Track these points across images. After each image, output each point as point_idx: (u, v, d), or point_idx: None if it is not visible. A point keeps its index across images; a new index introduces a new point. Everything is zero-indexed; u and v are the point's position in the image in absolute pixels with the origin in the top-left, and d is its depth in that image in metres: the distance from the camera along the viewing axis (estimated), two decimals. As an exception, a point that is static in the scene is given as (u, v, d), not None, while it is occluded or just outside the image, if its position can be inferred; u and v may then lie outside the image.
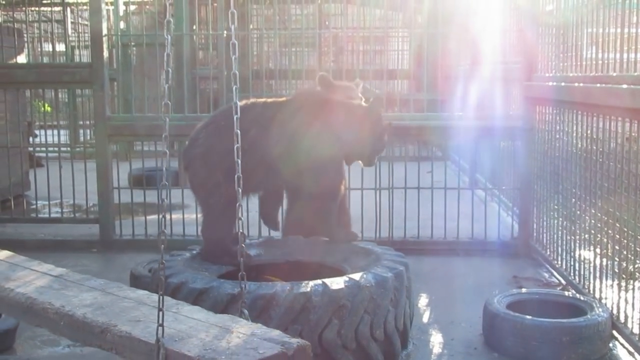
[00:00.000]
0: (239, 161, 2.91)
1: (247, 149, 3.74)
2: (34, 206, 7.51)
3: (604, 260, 4.28)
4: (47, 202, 6.72)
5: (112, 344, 2.54)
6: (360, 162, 4.53)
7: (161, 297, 2.45)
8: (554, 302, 4.09)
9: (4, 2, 9.51)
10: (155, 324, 2.38)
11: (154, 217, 6.16)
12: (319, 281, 3.41)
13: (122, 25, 10.88)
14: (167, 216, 6.18)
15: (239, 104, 3.02)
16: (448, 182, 6.08)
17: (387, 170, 5.99)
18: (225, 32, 9.04)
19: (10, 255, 3.64)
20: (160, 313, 2.39)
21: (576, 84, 4.65)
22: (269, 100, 4.39)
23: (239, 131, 2.92)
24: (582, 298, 4.13)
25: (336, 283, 3.41)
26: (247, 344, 2.34)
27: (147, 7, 11.92)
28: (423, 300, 4.79)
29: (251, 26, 11.94)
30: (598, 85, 4.21)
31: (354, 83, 4.80)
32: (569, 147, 4.94)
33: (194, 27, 9.52)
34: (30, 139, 9.56)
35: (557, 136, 5.22)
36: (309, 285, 3.36)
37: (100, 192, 6.20)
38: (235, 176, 2.90)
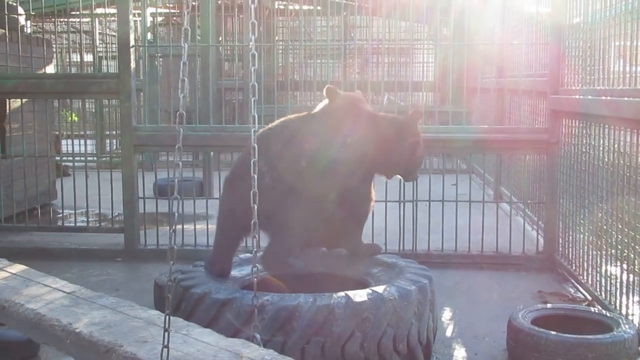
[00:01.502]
0: (255, 176, 2.88)
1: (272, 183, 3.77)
2: (60, 215, 7.60)
3: (631, 276, 4.23)
4: (73, 211, 6.78)
5: None
6: (400, 176, 4.48)
7: (167, 316, 2.39)
8: (580, 318, 4.03)
9: (33, 13, 9.64)
10: (161, 345, 2.34)
11: (178, 227, 6.18)
12: (342, 293, 3.40)
13: (149, 36, 10.99)
14: (191, 227, 6.22)
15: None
16: (472, 195, 6.04)
17: (412, 183, 5.96)
18: (251, 43, 9.09)
19: (25, 269, 3.64)
20: (166, 334, 2.34)
21: (603, 97, 4.61)
22: (299, 118, 4.20)
23: (256, 145, 2.91)
24: (608, 314, 4.08)
25: (359, 295, 3.40)
26: None
27: (174, 18, 12.05)
28: (447, 314, 4.76)
29: (277, 38, 12.01)
30: (626, 98, 4.17)
31: (356, 93, 4.76)
32: (596, 161, 4.89)
33: (220, 39, 9.58)
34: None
35: (584, 150, 5.17)
36: (332, 297, 3.35)
37: (126, 201, 6.24)
38: (251, 192, 2.88)
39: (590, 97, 4.90)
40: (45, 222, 6.95)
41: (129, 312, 2.93)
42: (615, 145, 4.48)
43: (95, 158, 11.19)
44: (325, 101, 4.23)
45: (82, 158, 9.41)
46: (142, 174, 6.31)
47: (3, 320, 3.15)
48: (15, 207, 6.86)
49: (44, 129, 7.20)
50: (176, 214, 2.60)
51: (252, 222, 2.85)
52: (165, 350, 2.32)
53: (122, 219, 6.50)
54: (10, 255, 3.96)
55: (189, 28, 2.82)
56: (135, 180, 6.23)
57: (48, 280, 3.41)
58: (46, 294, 3.18)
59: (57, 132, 9.12)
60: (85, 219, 7.19)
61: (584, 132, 5.16)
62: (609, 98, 4.50)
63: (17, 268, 3.64)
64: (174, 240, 2.56)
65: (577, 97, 5.22)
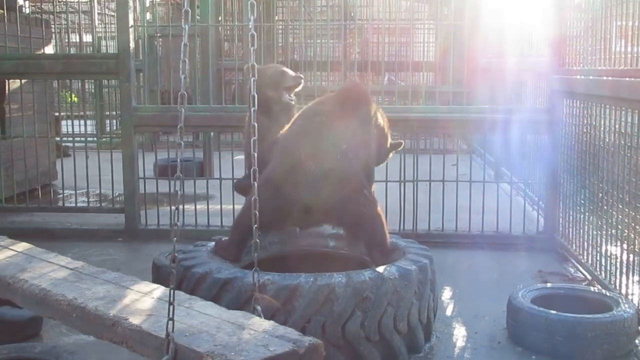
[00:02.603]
0: (255, 154, 2.88)
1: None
2: (61, 195, 7.60)
3: (631, 255, 4.24)
4: (73, 192, 6.78)
5: (122, 337, 2.52)
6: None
7: (172, 290, 2.41)
8: (580, 298, 4.05)
9: (32, -7, 9.60)
10: (166, 318, 2.36)
11: (179, 207, 6.18)
12: (342, 273, 3.42)
13: (148, 16, 10.92)
14: (192, 207, 6.23)
15: None
16: (473, 175, 6.04)
17: (412, 163, 5.97)
18: (250, 23, 9.03)
19: (29, 247, 3.66)
20: (171, 307, 2.36)
21: (605, 78, 4.60)
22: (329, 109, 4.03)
23: (255, 124, 2.90)
24: (608, 294, 4.09)
25: (360, 275, 3.41)
26: (258, 341, 2.31)
27: (173, -2, 11.97)
28: (447, 294, 4.77)
29: (276, 18, 11.94)
30: (627, 78, 4.16)
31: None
32: (597, 141, 4.89)
33: (220, 19, 9.52)
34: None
35: (585, 130, 5.16)
36: (332, 277, 3.36)
37: (126, 182, 6.25)
38: (252, 170, 2.89)
39: (591, 77, 4.88)
40: (45, 202, 6.96)
41: (132, 286, 2.97)
42: (616, 126, 4.48)
43: (95, 139, 11.17)
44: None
45: (82, 139, 9.40)
46: (142, 154, 6.31)
47: (9, 297, 3.17)
48: (16, 187, 6.86)
49: (43, 109, 7.18)
50: (178, 193, 2.61)
51: (252, 198, 2.85)
52: (170, 322, 2.34)
53: (122, 199, 6.51)
54: (11, 235, 3.96)
55: (189, 9, 2.81)
56: (136, 161, 6.23)
57: (51, 257, 3.44)
58: (50, 271, 3.20)
59: (56, 114, 9.09)
60: (86, 200, 7.19)
61: (585, 112, 5.15)
62: (610, 78, 4.49)
63: (21, 246, 3.67)
64: (176, 217, 2.63)
65: (578, 77, 5.21)
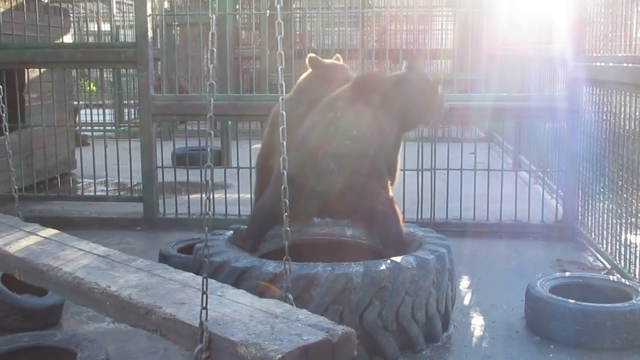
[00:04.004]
0: (285, 143, 2.88)
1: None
2: (80, 184, 7.65)
3: (651, 244, 4.21)
4: (92, 181, 6.82)
5: (156, 326, 2.54)
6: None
7: (205, 279, 2.42)
8: (598, 287, 4.02)
9: (50, -17, 9.62)
10: (199, 306, 2.37)
11: (197, 196, 6.22)
12: (360, 262, 3.41)
13: (166, 4, 10.93)
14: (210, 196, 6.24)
15: None
16: (491, 163, 6.01)
17: (430, 151, 5.95)
18: (267, 11, 9.03)
19: (58, 233, 3.69)
20: (204, 296, 2.37)
21: (625, 65, 4.55)
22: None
23: (284, 112, 2.89)
24: (627, 282, 4.06)
25: (377, 264, 3.41)
26: (291, 330, 2.31)
27: (191, -14, 11.97)
28: (465, 283, 4.76)
29: (294, 5, 11.91)
30: (648, 65, 4.11)
31: (335, 58, 4.70)
32: (616, 128, 4.84)
33: (237, 7, 9.51)
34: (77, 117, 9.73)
35: (604, 117, 5.11)
36: (350, 266, 3.36)
37: (144, 171, 6.27)
38: (281, 158, 2.89)
39: (611, 64, 4.83)
40: (65, 191, 7.01)
41: (164, 274, 2.97)
42: (637, 113, 4.43)
43: (113, 127, 11.23)
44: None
45: (101, 128, 9.45)
46: (160, 143, 6.33)
47: (43, 285, 3.20)
48: (35, 176, 6.91)
49: (62, 98, 7.21)
50: (209, 182, 2.64)
51: (282, 187, 2.82)
52: (204, 311, 2.36)
53: (141, 188, 6.53)
54: (31, 224, 4.00)
55: (214, -1, 2.80)
56: (154, 150, 6.25)
57: (83, 244, 3.46)
58: (81, 258, 3.22)
59: (75, 103, 9.14)
60: (105, 188, 7.23)
61: (605, 99, 5.10)
62: (630, 65, 4.44)
63: (52, 232, 3.69)
64: (208, 207, 2.66)
65: (598, 64, 5.15)
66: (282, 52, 2.92)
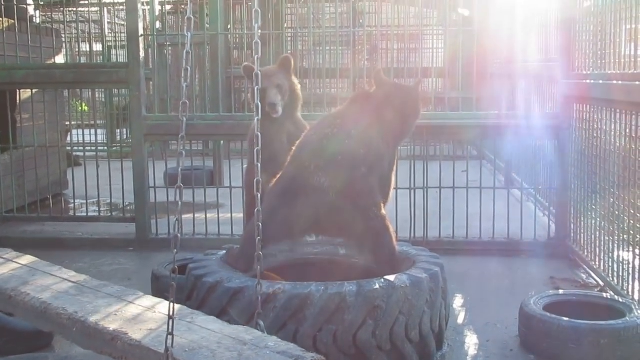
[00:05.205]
0: (259, 165, 2.88)
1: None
2: (72, 205, 7.63)
3: (644, 261, 4.21)
4: (84, 201, 6.81)
5: (122, 353, 2.51)
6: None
7: (171, 303, 2.39)
8: (592, 304, 4.03)
9: (42, 3, 9.65)
10: (166, 333, 2.35)
11: (190, 216, 6.20)
12: (353, 281, 3.41)
13: (158, 25, 10.97)
14: (202, 215, 6.23)
15: None
16: (483, 181, 6.02)
17: (422, 170, 5.96)
18: (259, 31, 9.05)
19: (33, 260, 3.65)
20: (171, 321, 2.34)
21: (615, 82, 4.58)
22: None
23: (259, 133, 2.89)
24: (620, 300, 4.06)
25: (371, 283, 3.40)
26: (260, 357, 2.29)
27: (183, 7, 12.03)
28: (458, 301, 4.75)
29: (285, 25, 11.96)
30: (637, 82, 4.14)
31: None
32: (607, 145, 4.86)
33: (229, 27, 9.54)
34: (69, 137, 9.72)
35: (595, 135, 5.14)
36: (343, 286, 3.35)
37: (137, 191, 6.26)
38: (255, 180, 2.89)
39: (601, 81, 4.86)
40: (57, 212, 6.99)
41: (134, 300, 2.95)
42: (627, 130, 4.46)
43: (106, 148, 11.22)
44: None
45: (93, 148, 9.44)
46: (152, 163, 6.32)
47: (10, 310, 3.17)
48: (27, 197, 6.89)
49: (54, 119, 7.21)
50: (179, 203, 2.60)
51: (256, 210, 2.84)
52: (169, 337, 2.33)
53: (133, 209, 6.52)
54: (22, 245, 3.99)
55: (192, 17, 2.82)
56: (146, 170, 6.24)
57: (55, 270, 3.43)
58: (53, 284, 3.20)
59: (67, 123, 9.13)
60: (97, 209, 7.21)
61: (596, 117, 5.13)
62: (620, 82, 4.47)
63: (25, 259, 3.66)
64: (177, 229, 2.59)
65: (588, 81, 5.19)
66: (260, 71, 2.93)
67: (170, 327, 2.34)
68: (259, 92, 2.96)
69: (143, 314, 2.77)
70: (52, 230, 6.65)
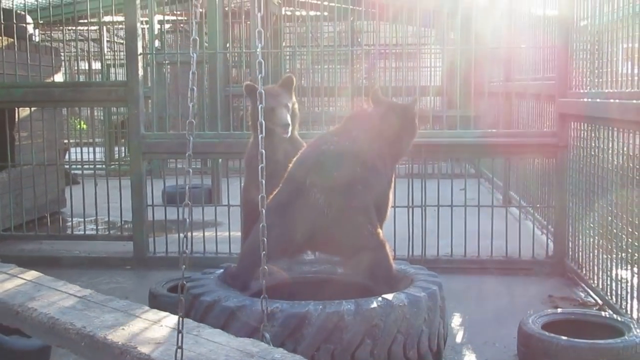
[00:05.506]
0: (263, 181, 2.89)
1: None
2: (70, 223, 7.62)
3: (642, 279, 4.21)
4: (82, 219, 6.79)
5: None
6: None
7: (181, 318, 2.41)
8: (591, 323, 4.01)
9: (41, 22, 9.69)
10: (175, 346, 2.36)
11: (187, 234, 6.17)
12: (351, 300, 3.40)
13: (156, 43, 11.02)
14: (200, 234, 6.22)
15: None
16: (481, 199, 6.02)
17: (420, 188, 5.96)
18: (258, 49, 9.08)
19: (37, 275, 3.67)
20: (180, 335, 2.36)
21: (612, 100, 4.60)
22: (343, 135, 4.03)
23: (263, 151, 2.91)
24: (619, 318, 4.05)
25: (369, 302, 3.39)
26: None
27: (181, 25, 12.08)
28: (456, 320, 4.74)
29: (284, 43, 12.02)
30: (634, 101, 4.16)
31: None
32: (605, 164, 4.87)
33: (227, 45, 9.61)
34: (67, 156, 9.72)
35: (593, 153, 5.15)
36: (341, 304, 3.34)
37: (135, 209, 6.25)
38: (259, 196, 2.90)
39: (598, 100, 4.88)
40: (54, 230, 6.98)
41: (140, 314, 2.96)
42: (625, 148, 4.47)
43: (104, 166, 11.23)
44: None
45: (91, 166, 9.44)
46: (150, 181, 6.32)
47: (17, 325, 3.17)
48: (25, 215, 6.88)
49: (52, 137, 7.22)
50: (187, 220, 2.62)
51: (261, 225, 2.84)
52: (179, 350, 2.34)
53: (131, 227, 6.51)
54: (20, 263, 3.97)
55: (197, 38, 2.84)
56: (144, 188, 6.24)
57: (60, 285, 3.44)
58: (59, 299, 3.21)
59: (65, 141, 9.14)
60: (95, 227, 7.20)
61: (593, 135, 5.15)
62: (617, 101, 4.49)
63: (29, 274, 3.68)
64: (185, 245, 2.67)
65: (585, 100, 5.20)
66: (263, 90, 2.95)
67: (180, 341, 2.36)
68: (265, 111, 3.00)
69: (150, 328, 2.78)
70: (50, 249, 6.63)
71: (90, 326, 2.79)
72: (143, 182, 6.22)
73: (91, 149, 7.91)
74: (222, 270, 4.01)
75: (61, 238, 6.83)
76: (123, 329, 2.77)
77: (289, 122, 4.40)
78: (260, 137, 2.92)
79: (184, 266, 2.61)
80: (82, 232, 6.86)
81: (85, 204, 6.56)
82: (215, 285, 3.74)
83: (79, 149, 11.52)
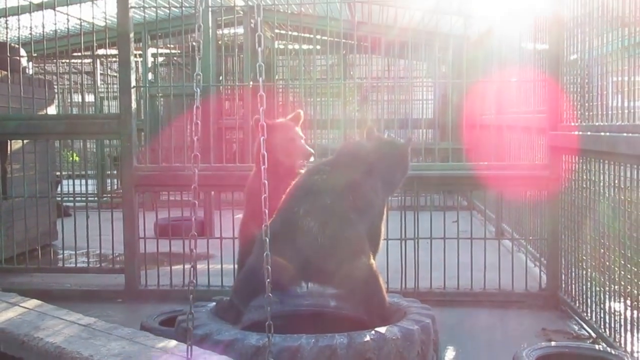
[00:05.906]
0: (266, 211, 2.91)
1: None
2: (61, 256, 7.57)
3: (635, 312, 4.20)
4: (73, 252, 6.75)
5: None
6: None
7: (189, 347, 2.42)
8: (584, 356, 4.00)
9: (35, 55, 9.73)
10: None
11: (179, 267, 6.17)
12: (344, 333, 3.38)
13: (150, 76, 11.07)
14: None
15: None
16: (474, 232, 6.03)
17: (413, 220, 5.96)
18: (251, 83, 9.14)
19: (39, 304, 3.69)
20: None
21: (602, 133, 4.63)
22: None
23: (266, 181, 2.94)
24: (613, 352, 4.04)
25: (362, 335, 3.37)
26: None
27: (175, 59, 12.16)
28: (450, 353, 4.71)
29: (277, 77, 12.09)
30: (624, 134, 4.19)
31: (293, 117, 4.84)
32: (596, 196, 4.89)
33: (220, 78, 9.66)
34: (59, 188, 9.70)
35: (584, 185, 5.17)
36: (334, 338, 3.32)
37: (126, 241, 6.23)
38: (263, 226, 2.92)
39: (589, 133, 4.91)
40: (45, 263, 6.93)
41: (145, 342, 2.97)
42: (616, 181, 4.49)
43: (96, 198, 11.20)
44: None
45: (83, 198, 9.41)
46: (142, 213, 6.30)
47: (23, 355, 3.15)
48: (16, 248, 6.84)
49: (45, 169, 7.21)
50: (194, 251, 2.64)
51: (265, 254, 2.84)
52: None
53: (122, 260, 6.47)
54: (11, 297, 3.95)
55: (200, 74, 2.91)
56: (136, 220, 6.22)
57: (63, 314, 3.46)
58: (63, 328, 3.23)
59: (57, 174, 9.12)
60: (86, 260, 7.16)
61: (584, 167, 5.17)
62: (607, 134, 4.52)
63: (31, 303, 3.71)
64: (193, 275, 2.79)
65: (576, 133, 5.24)
66: (265, 122, 2.99)
67: None
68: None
69: (157, 356, 2.80)
70: (40, 282, 6.58)
71: (97, 355, 2.81)
72: (135, 214, 6.20)
73: (83, 181, 7.89)
74: (214, 304, 3.99)
75: (52, 271, 6.78)
76: (130, 357, 2.78)
77: (312, 150, 4.49)
78: (263, 167, 2.99)
79: (191, 296, 2.71)
80: (74, 265, 6.81)
81: (77, 237, 6.52)
82: (207, 319, 3.71)
83: (71, 181, 11.51)
